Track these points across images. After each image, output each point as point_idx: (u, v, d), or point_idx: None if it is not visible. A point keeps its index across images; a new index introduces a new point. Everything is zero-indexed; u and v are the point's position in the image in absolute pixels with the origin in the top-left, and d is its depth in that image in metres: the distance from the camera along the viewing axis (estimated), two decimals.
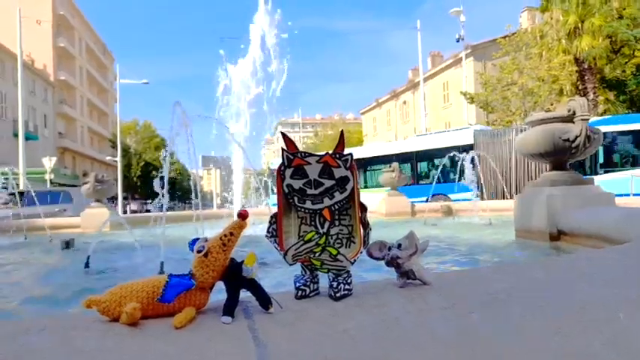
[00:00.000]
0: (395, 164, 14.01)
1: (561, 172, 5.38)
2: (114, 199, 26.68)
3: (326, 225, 1.23)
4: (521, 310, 1.12)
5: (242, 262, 1.09)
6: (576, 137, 5.02)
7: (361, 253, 1.22)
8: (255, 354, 0.90)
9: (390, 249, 1.26)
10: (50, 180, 25.35)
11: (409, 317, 1.07)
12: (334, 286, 1.19)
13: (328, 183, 1.21)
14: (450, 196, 16.44)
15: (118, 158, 32.27)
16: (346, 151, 1.20)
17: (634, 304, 1.20)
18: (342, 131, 1.21)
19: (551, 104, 21.69)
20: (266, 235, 1.24)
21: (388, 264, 1.26)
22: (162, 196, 4.95)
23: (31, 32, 30.65)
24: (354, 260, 1.21)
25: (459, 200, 13.72)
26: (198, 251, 1.07)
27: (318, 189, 1.21)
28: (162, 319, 1.01)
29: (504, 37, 25.46)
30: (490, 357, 0.96)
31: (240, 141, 11.22)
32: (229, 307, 1.04)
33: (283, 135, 1.21)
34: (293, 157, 1.20)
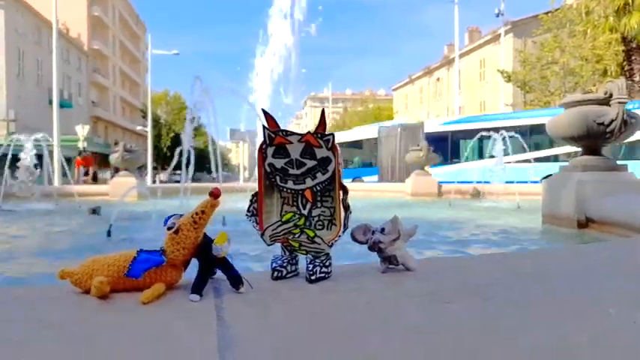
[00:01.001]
0: (423, 143, 13.81)
1: (594, 157, 5.17)
2: (143, 168, 27.33)
3: (308, 206, 1.21)
4: (503, 301, 1.08)
5: (212, 240, 1.08)
6: (612, 121, 4.78)
7: (340, 236, 1.19)
8: (216, 333, 0.90)
9: (373, 233, 1.23)
10: (83, 148, 26.11)
11: (383, 303, 1.04)
12: (310, 268, 1.17)
13: (310, 163, 1.18)
14: (363, 178, 20.35)
15: (149, 129, 32.88)
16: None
17: (636, 299, 1.14)
18: (322, 110, 1.17)
19: (594, 85, 20.74)
20: (246, 215, 1.22)
21: (370, 248, 1.23)
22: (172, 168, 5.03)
23: (66, 0, 31.17)
24: (332, 243, 1.18)
25: (370, 182, 16.74)
26: (169, 228, 1.06)
27: (300, 169, 1.18)
28: (134, 294, 1.02)
29: (547, 13, 24.33)
30: (461, 348, 0.93)
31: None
32: (197, 286, 1.04)
33: (264, 112, 1.17)
34: (274, 135, 1.17)
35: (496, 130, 15.89)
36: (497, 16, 29.80)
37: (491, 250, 3.96)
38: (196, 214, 1.08)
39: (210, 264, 1.07)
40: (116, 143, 17.18)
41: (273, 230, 1.17)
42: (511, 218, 6.90)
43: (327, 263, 1.19)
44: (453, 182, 11.93)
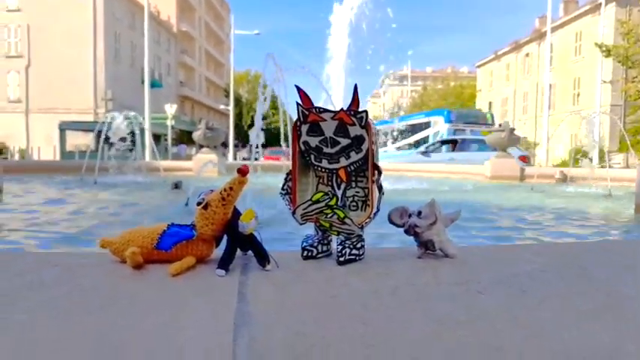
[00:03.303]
0: (505, 123, 13.12)
1: None
2: (224, 145, 28.58)
3: (342, 186, 1.18)
4: (544, 296, 0.98)
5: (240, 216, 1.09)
6: None
7: (371, 218, 1.15)
8: (234, 309, 0.91)
9: (410, 216, 1.17)
10: (172, 125, 27.81)
11: (409, 289, 0.99)
12: (339, 249, 1.15)
13: (344, 142, 1.14)
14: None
15: (231, 107, 34.21)
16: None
17: None
18: (355, 86, 1.11)
19: None
20: (280, 193, 1.22)
21: (407, 232, 1.18)
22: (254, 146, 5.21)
23: None
24: (363, 225, 1.15)
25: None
26: (198, 203, 1.09)
27: (335, 148, 1.15)
28: (166, 266, 1.06)
29: None
30: (483, 343, 0.86)
31: (337, 93, 11.19)
32: (224, 261, 1.05)
33: (297, 88, 1.15)
34: (308, 112, 1.14)
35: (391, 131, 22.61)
36: None
37: (563, 240, 3.67)
38: (224, 190, 1.09)
39: (237, 240, 1.08)
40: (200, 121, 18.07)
41: (304, 210, 1.16)
42: (598, 206, 6.36)
43: (358, 245, 1.16)
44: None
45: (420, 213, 1.16)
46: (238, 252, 1.11)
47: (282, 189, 1.22)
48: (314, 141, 1.16)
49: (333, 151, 1.16)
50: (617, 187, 8.65)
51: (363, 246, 1.17)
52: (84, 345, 0.83)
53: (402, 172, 13.59)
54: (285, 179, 1.21)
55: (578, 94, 34.72)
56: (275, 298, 0.96)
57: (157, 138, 25.74)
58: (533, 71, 40.69)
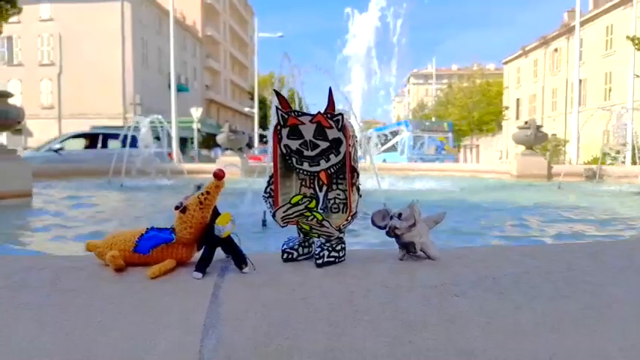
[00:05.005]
0: (532, 119, 12.84)
1: None
2: (250, 147, 28.88)
3: (324, 188, 1.18)
4: (524, 300, 0.96)
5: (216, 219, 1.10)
6: None
7: (349, 221, 1.15)
8: (206, 310, 0.93)
9: (392, 218, 1.17)
10: (198, 129, 28.25)
11: (382, 292, 0.99)
12: (317, 252, 1.15)
13: (323, 144, 1.15)
14: None
15: (255, 110, 34.54)
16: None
17: None
18: (330, 89, 1.11)
19: None
20: (263, 196, 1.23)
21: (388, 234, 1.17)
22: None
23: None
24: (341, 228, 1.15)
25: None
26: (177, 207, 1.11)
27: (314, 151, 1.16)
28: (147, 268, 1.08)
29: None
30: (453, 347, 0.85)
31: (358, 93, 11.21)
32: (201, 264, 1.07)
33: (276, 92, 1.16)
34: (287, 116, 1.15)
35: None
36: None
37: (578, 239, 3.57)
38: (202, 194, 1.11)
39: (215, 243, 1.10)
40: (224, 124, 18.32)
41: (284, 212, 1.17)
42: (628, 204, 6.17)
43: (337, 247, 1.16)
44: None
45: (400, 215, 1.15)
46: (219, 254, 1.13)
47: (265, 192, 1.23)
48: (294, 144, 1.17)
49: (313, 154, 1.16)
50: None
51: (343, 248, 1.18)
52: (57, 346, 0.86)
53: (426, 171, 13.48)
54: (268, 182, 1.22)
55: (610, 89, 33.65)
56: (247, 300, 0.97)
57: (183, 141, 26.19)
58: (562, 67, 39.64)
